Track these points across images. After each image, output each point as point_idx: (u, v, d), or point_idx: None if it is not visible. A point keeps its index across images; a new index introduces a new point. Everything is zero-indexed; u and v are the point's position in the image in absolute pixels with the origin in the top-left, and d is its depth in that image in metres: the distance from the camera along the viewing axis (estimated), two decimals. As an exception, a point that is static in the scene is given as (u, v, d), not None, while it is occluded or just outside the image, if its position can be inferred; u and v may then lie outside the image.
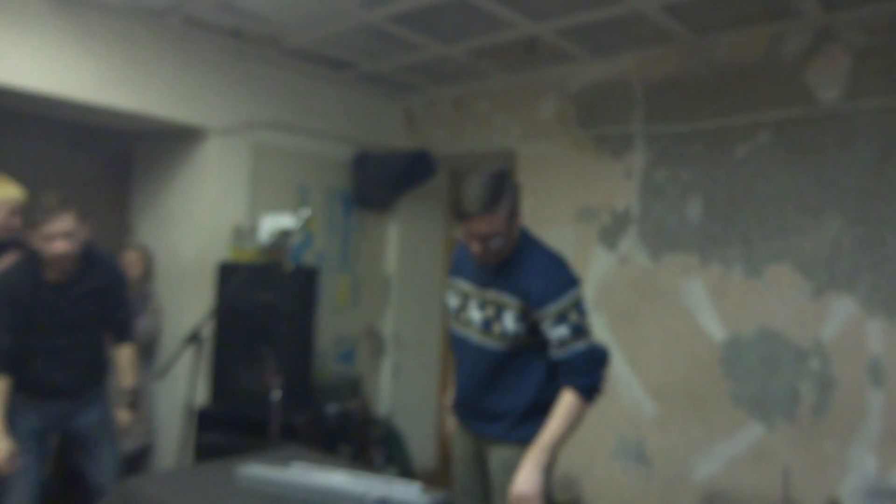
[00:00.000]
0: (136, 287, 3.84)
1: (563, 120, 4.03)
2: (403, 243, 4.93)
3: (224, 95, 3.87)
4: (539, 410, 2.08)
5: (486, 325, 2.12)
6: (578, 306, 2.05)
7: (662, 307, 3.54)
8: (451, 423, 2.42)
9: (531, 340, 2.08)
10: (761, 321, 3.21)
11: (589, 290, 3.79)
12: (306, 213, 3.41)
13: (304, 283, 3.70)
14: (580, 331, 2.04)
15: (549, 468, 2.05)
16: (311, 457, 2.46)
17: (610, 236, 3.76)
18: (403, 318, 4.93)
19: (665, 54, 3.59)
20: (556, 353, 2.04)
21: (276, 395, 3.01)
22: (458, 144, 4.58)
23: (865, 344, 2.92)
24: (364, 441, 4.12)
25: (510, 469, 2.05)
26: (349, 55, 4.01)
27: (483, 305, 2.13)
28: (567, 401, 2.01)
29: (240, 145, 3.98)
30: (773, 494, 3.04)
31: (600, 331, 3.74)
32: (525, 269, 2.09)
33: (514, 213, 2.06)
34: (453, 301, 2.25)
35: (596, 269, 3.79)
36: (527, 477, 1.97)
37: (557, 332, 2.02)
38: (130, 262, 3.83)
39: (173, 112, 3.67)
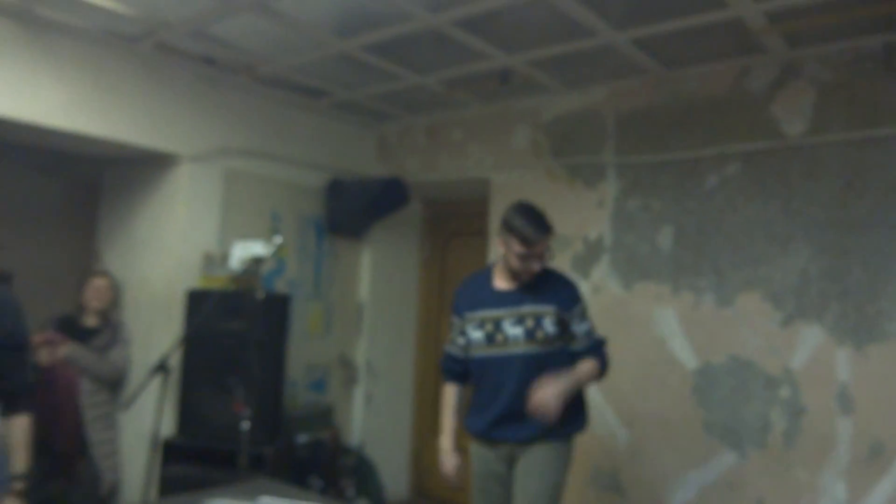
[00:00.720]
0: (105, 315, 3.76)
1: (536, 149, 4.07)
2: (376, 271, 4.90)
3: (196, 122, 3.85)
4: (576, 407, 2.53)
5: (530, 334, 2.48)
6: (586, 306, 2.60)
7: (635, 335, 3.56)
8: (452, 460, 2.63)
9: (562, 339, 2.52)
10: (732, 349, 3.24)
11: (562, 319, 3.80)
12: (278, 240, 3.38)
13: (276, 310, 3.64)
14: (593, 326, 2.60)
15: (569, 460, 2.53)
16: (279, 490, 2.40)
17: (583, 264, 3.78)
18: (376, 347, 4.88)
19: (636, 86, 3.66)
20: (582, 343, 2.54)
21: (245, 425, 2.94)
22: (431, 172, 4.60)
23: (834, 372, 2.96)
24: (335, 472, 4.04)
25: (546, 460, 2.47)
26: (323, 83, 4.02)
27: (521, 320, 2.49)
28: (591, 364, 2.51)
29: (211, 172, 3.94)
30: (747, 523, 3.04)
31: (574, 359, 3.75)
32: (551, 284, 2.55)
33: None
34: (478, 333, 2.55)
35: (569, 297, 3.80)
36: (548, 390, 2.33)
37: (583, 327, 2.54)
38: (99, 289, 3.73)
39: (144, 138, 3.63)
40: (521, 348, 2.47)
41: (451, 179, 4.51)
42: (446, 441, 2.66)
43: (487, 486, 2.58)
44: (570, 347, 2.54)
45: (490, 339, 2.52)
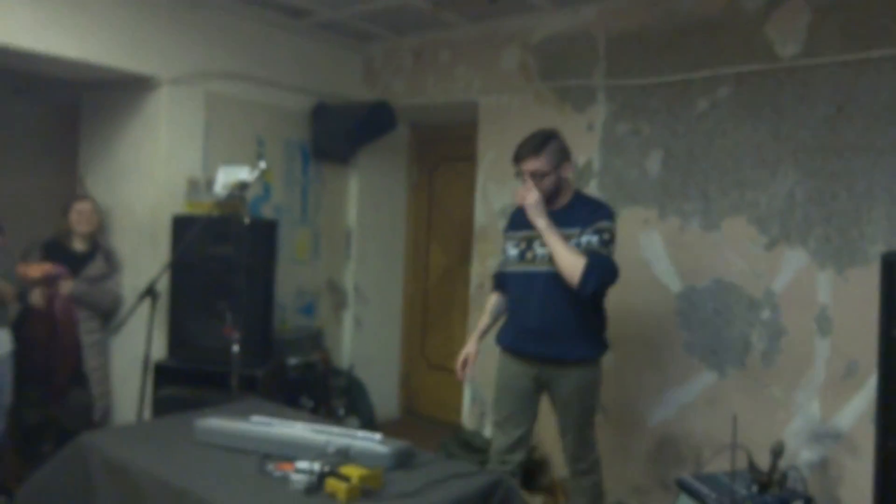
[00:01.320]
0: (93, 240, 3.72)
1: (525, 72, 3.98)
2: (364, 196, 4.88)
3: (174, 43, 3.72)
4: (595, 332, 2.71)
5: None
6: (612, 233, 2.59)
7: (621, 259, 3.53)
8: (467, 349, 2.89)
9: None
10: (716, 273, 3.28)
11: (549, 243, 3.83)
12: (262, 165, 3.33)
13: (263, 235, 3.64)
14: (606, 245, 2.56)
15: (597, 381, 2.75)
16: (271, 409, 2.46)
17: (570, 189, 3.77)
18: (364, 272, 4.91)
19: (628, 6, 3.56)
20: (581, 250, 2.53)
21: (236, 348, 2.98)
22: (418, 96, 4.51)
23: (815, 295, 3.01)
24: (326, 392, 4.13)
25: (581, 388, 2.66)
26: (306, 2, 3.88)
27: None
28: (577, 254, 2.50)
29: (192, 96, 3.84)
30: (723, 438, 3.15)
31: (560, 283, 3.79)
32: (581, 208, 2.65)
33: (560, 163, 2.61)
34: (514, 250, 2.72)
35: (556, 222, 3.81)
36: (534, 195, 2.55)
37: (588, 238, 2.55)
38: (83, 212, 3.66)
39: (120, 60, 3.51)
40: (546, 266, 2.59)
41: (438, 103, 4.44)
42: (472, 336, 2.93)
43: (502, 398, 2.78)
44: None
45: (522, 256, 2.69)
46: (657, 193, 3.47)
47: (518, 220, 2.76)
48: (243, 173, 3.39)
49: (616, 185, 3.61)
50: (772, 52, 3.14)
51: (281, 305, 4.18)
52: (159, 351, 3.61)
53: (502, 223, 4.03)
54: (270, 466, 1.89)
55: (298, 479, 1.76)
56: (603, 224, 2.57)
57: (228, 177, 3.55)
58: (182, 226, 3.54)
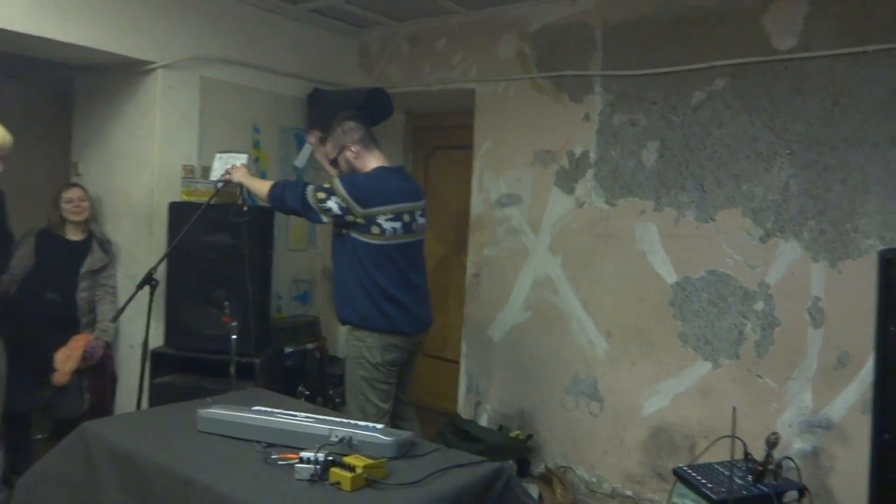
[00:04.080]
0: (87, 228, 3.68)
1: (522, 60, 3.98)
2: (359, 184, 4.86)
3: (168, 27, 3.67)
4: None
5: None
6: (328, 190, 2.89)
7: (616, 250, 3.61)
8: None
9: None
10: (711, 264, 3.31)
11: (546, 233, 3.85)
12: (245, 157, 3.33)
13: (259, 224, 3.63)
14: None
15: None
16: (272, 398, 2.47)
17: (567, 179, 3.78)
18: (359, 260, 4.90)
19: (626, -4, 3.56)
20: None
21: (234, 336, 2.98)
22: (414, 83, 4.50)
23: (808, 287, 3.05)
24: (323, 381, 4.14)
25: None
26: (302, -14, 3.85)
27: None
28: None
29: (187, 81, 3.81)
30: (717, 427, 3.20)
31: (556, 271, 3.81)
32: None
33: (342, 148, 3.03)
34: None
35: (553, 211, 3.83)
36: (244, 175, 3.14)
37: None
38: (72, 200, 3.59)
39: (113, 44, 3.45)
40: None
41: (434, 90, 4.42)
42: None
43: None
44: None
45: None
46: (653, 184, 3.49)
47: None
48: (239, 160, 3.37)
49: (612, 175, 3.63)
50: (769, 45, 3.16)
51: (277, 294, 4.18)
52: (156, 339, 3.60)
53: (498, 212, 4.06)
54: (274, 456, 1.90)
55: (303, 469, 1.78)
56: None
57: (224, 164, 3.53)
58: (179, 213, 3.52)
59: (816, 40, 3.04)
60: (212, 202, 3.16)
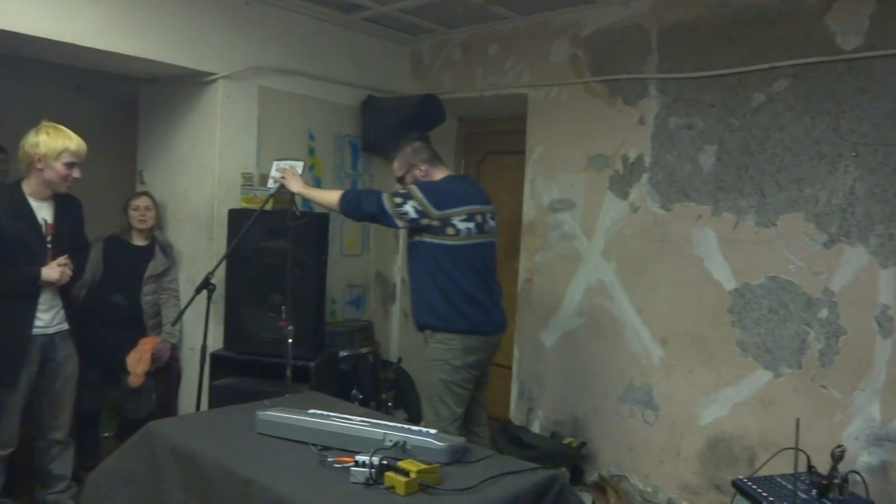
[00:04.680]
0: (151, 234, 3.83)
1: (575, 65, 3.95)
2: (412, 190, 4.90)
3: (228, 39, 3.79)
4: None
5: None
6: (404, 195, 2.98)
7: (672, 256, 3.55)
8: None
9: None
10: (772, 270, 3.22)
11: (599, 238, 3.81)
12: (301, 164, 3.40)
13: (315, 229, 3.70)
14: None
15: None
16: (327, 402, 2.51)
17: (622, 184, 3.74)
18: (412, 265, 4.94)
19: (682, -3, 3.50)
20: None
21: (290, 339, 3.04)
22: (467, 89, 4.51)
23: (876, 294, 2.93)
24: (376, 385, 4.19)
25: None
26: (357, -4, 3.91)
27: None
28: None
29: (246, 91, 3.92)
30: (777, 439, 3.10)
31: (609, 277, 3.77)
32: None
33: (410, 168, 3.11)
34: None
35: (607, 217, 3.79)
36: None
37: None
38: (139, 208, 3.78)
39: (177, 57, 3.59)
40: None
41: (486, 96, 4.43)
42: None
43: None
44: None
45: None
46: (711, 189, 3.42)
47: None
48: (296, 167, 3.44)
49: (668, 180, 3.56)
50: (833, 44, 3.06)
51: (332, 299, 4.25)
52: (216, 342, 3.70)
53: (551, 217, 4.03)
54: (330, 459, 1.93)
55: (358, 472, 1.80)
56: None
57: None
58: (238, 219, 3.61)
59: (883, 39, 2.93)
60: (267, 209, 3.24)
